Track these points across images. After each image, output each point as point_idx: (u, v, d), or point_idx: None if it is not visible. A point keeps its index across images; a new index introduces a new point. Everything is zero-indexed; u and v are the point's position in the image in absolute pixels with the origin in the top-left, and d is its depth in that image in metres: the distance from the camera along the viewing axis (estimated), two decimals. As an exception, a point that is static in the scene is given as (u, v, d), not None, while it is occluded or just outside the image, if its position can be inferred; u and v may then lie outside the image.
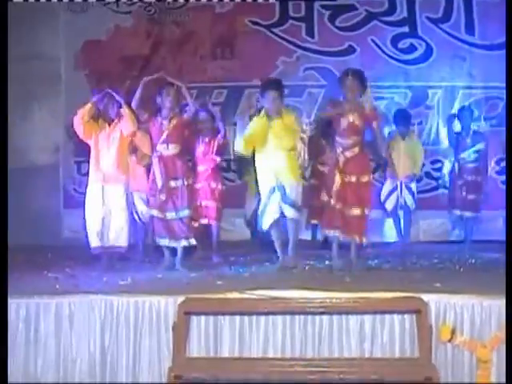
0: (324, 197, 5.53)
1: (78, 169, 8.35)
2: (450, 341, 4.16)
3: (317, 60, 8.19)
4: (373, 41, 8.18)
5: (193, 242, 5.61)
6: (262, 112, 5.67)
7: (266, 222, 5.58)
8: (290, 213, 5.54)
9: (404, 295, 4.22)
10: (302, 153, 7.62)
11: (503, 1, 8.00)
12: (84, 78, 8.32)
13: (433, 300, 4.19)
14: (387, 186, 7.23)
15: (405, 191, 7.14)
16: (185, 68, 8.20)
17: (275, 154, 5.55)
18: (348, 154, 5.47)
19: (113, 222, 5.65)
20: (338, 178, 5.44)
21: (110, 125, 5.80)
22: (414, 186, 7.26)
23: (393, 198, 7.16)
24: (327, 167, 5.66)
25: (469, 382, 4.15)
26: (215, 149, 6.71)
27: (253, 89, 8.08)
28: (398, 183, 7.14)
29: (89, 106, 5.76)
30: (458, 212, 7.22)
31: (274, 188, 5.52)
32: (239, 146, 5.73)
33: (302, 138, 7.95)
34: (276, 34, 8.25)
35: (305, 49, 8.24)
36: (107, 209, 5.66)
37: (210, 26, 8.32)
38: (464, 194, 7.10)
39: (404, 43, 8.20)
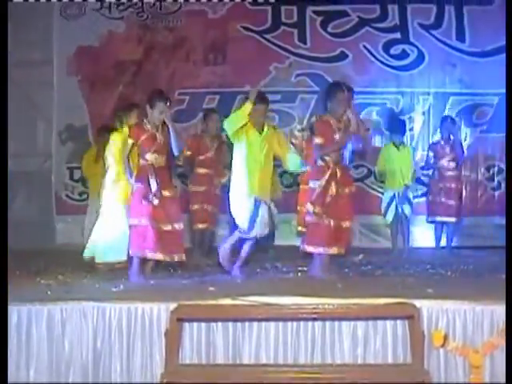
0: (310, 207, 5.42)
1: (70, 175, 8.32)
2: (442, 346, 4.16)
3: (309, 66, 8.21)
4: (365, 47, 8.20)
5: (183, 257, 5.49)
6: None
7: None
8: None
9: (396, 301, 4.21)
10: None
11: (493, 8, 8.10)
12: (76, 83, 8.30)
13: (425, 306, 4.18)
14: (386, 197, 7.23)
15: (402, 200, 7.14)
16: (177, 73, 8.21)
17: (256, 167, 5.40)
18: (339, 166, 5.42)
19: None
20: (324, 191, 5.37)
21: None
22: (410, 194, 7.27)
23: (392, 208, 7.15)
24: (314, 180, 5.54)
25: (461, 387, 4.17)
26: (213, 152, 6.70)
27: (245, 95, 8.07)
28: (397, 193, 7.14)
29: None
30: (438, 218, 7.31)
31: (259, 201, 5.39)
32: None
33: (293, 144, 8.03)
34: (268, 40, 8.26)
35: (297, 55, 8.25)
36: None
37: (203, 32, 8.34)
38: (443, 199, 7.17)
39: (396, 49, 8.23)
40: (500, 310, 4.17)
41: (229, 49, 8.25)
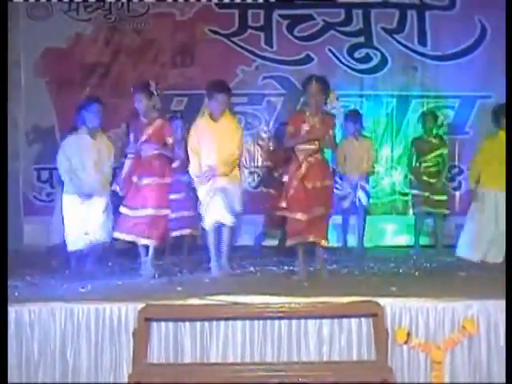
0: (283, 205, 5.40)
1: (38, 176, 8.22)
2: (405, 343, 4.21)
3: (275, 69, 8.20)
4: (330, 50, 8.22)
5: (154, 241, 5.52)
6: (205, 113, 5.56)
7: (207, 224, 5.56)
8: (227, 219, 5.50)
9: (361, 299, 4.24)
10: (257, 158, 7.70)
11: (454, 13, 8.20)
12: (44, 84, 8.20)
13: (389, 304, 4.23)
14: (343, 188, 7.21)
15: (359, 191, 7.17)
16: (145, 75, 8.08)
17: (214, 157, 5.44)
18: (311, 159, 5.38)
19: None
20: (299, 185, 5.34)
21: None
22: (367, 186, 7.30)
23: (349, 198, 7.17)
24: (288, 176, 5.52)
25: (424, 382, 4.20)
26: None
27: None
28: (353, 183, 7.16)
29: None
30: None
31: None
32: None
33: (260, 145, 8.04)
34: (235, 43, 8.24)
35: (264, 58, 8.24)
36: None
37: (171, 34, 8.28)
38: (427, 195, 7.24)
39: (360, 53, 8.26)
40: (461, 307, 4.23)
41: (196, 51, 8.21)
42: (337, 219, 7.21)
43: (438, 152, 7.30)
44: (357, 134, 7.23)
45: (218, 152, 5.42)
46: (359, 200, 7.17)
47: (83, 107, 5.84)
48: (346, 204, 7.20)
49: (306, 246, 5.42)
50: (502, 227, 5.85)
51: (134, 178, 5.50)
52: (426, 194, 7.27)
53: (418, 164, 7.36)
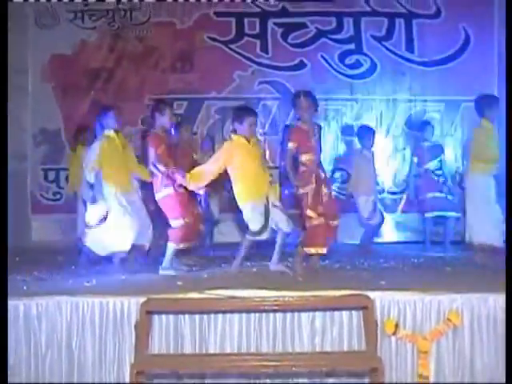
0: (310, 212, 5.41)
1: (44, 176, 8.23)
2: (393, 334, 4.21)
3: (270, 74, 8.22)
4: (322, 56, 8.24)
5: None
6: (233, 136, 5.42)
7: None
8: None
9: (352, 293, 4.24)
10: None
11: (440, 22, 8.21)
12: (51, 89, 8.20)
13: (378, 297, 4.22)
14: (366, 205, 7.02)
15: (378, 204, 7.14)
16: (147, 81, 8.15)
17: None
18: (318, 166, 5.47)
19: None
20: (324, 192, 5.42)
21: None
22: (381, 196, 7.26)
23: (377, 215, 7.06)
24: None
25: (411, 371, 4.19)
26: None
27: (211, 101, 8.08)
28: (373, 198, 7.02)
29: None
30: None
31: None
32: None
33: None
34: (233, 50, 8.25)
35: (259, 64, 8.26)
36: None
37: (171, 42, 8.29)
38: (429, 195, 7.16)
39: (350, 59, 8.28)
40: (446, 300, 4.23)
41: (195, 57, 8.22)
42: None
43: (438, 158, 7.23)
44: (370, 149, 7.10)
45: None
46: (380, 212, 7.11)
47: (101, 115, 5.75)
48: (375, 221, 7.07)
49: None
50: (495, 209, 5.87)
51: None
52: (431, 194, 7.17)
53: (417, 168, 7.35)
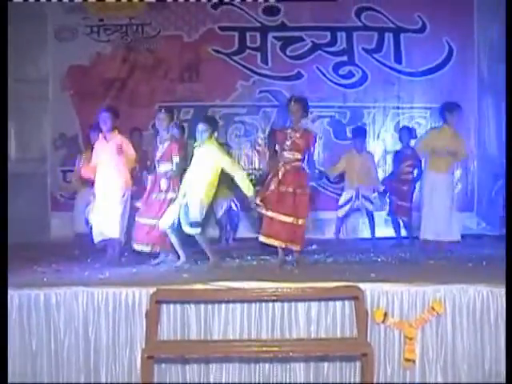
0: (257, 202, 5.35)
1: (63, 176, 8.22)
2: (382, 322, 4.21)
3: (270, 84, 8.20)
4: (317, 68, 8.22)
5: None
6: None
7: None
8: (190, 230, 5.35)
9: (344, 284, 4.23)
10: (254, 161, 7.68)
11: (425, 36, 8.20)
12: (69, 97, 8.20)
13: (368, 288, 4.21)
14: (344, 197, 7.09)
15: (362, 200, 7.04)
16: (157, 89, 8.14)
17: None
18: (288, 166, 5.35)
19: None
20: (272, 187, 5.32)
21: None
22: (371, 195, 7.15)
23: (346, 207, 7.05)
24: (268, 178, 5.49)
25: (398, 355, 4.19)
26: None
27: (216, 108, 8.07)
28: (354, 194, 7.02)
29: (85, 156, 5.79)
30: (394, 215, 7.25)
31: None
32: None
33: (257, 150, 8.04)
34: (235, 61, 8.24)
35: (260, 74, 8.24)
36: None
37: (179, 54, 8.28)
38: (401, 199, 7.16)
39: (343, 70, 8.26)
40: (430, 291, 4.23)
41: (201, 68, 8.21)
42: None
43: (409, 162, 7.20)
44: (360, 149, 7.09)
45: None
46: (365, 208, 7.10)
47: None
48: (341, 213, 7.11)
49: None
50: (449, 206, 5.92)
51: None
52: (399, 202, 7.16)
53: (393, 172, 7.34)
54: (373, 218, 7.22)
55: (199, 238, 5.36)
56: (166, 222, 5.35)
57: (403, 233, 7.35)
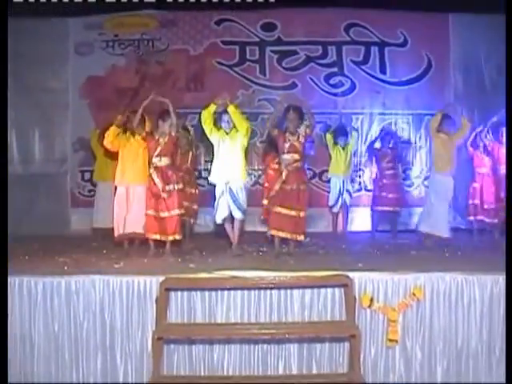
0: (265, 201, 5.45)
1: (82, 176, 8.21)
2: (369, 307, 4.21)
3: (268, 93, 8.17)
4: (310, 78, 8.21)
5: (178, 237, 5.46)
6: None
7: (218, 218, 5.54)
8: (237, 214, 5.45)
9: (335, 273, 4.24)
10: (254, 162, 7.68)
11: (407, 49, 8.20)
12: (87, 105, 8.19)
13: (356, 276, 4.22)
14: (334, 190, 7.11)
15: (345, 193, 7.11)
16: (166, 98, 8.05)
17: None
18: (290, 168, 5.42)
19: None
20: (277, 187, 5.39)
21: (134, 137, 5.67)
22: (350, 187, 7.27)
23: (339, 202, 7.07)
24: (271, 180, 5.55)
25: (382, 336, 4.21)
26: (190, 159, 6.66)
27: (218, 115, 8.02)
28: (341, 184, 7.06)
29: (113, 128, 5.61)
30: (380, 208, 7.20)
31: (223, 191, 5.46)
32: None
33: (256, 153, 8.03)
34: (236, 72, 8.23)
35: (259, 84, 8.23)
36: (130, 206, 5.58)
37: (186, 66, 8.26)
38: (384, 194, 7.14)
39: (334, 80, 8.24)
40: (411, 278, 4.24)
41: (206, 79, 8.20)
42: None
43: (388, 158, 7.19)
44: (343, 145, 7.15)
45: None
46: (345, 200, 7.11)
47: None
48: (336, 209, 7.15)
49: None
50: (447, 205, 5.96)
51: None
52: (385, 195, 7.14)
53: (377, 168, 7.34)
54: (348, 210, 7.26)
55: (240, 222, 5.45)
56: (220, 216, 5.43)
57: (387, 226, 7.36)
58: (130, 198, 5.58)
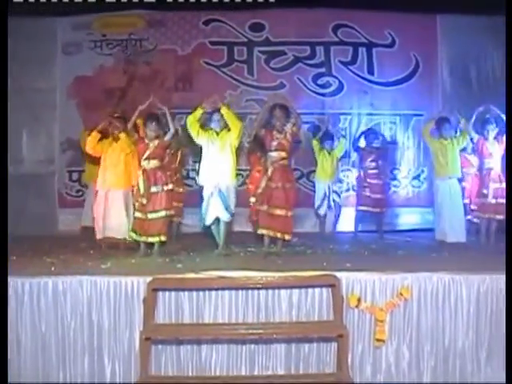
0: (253, 199, 5.44)
1: (69, 176, 8.15)
2: (356, 307, 4.22)
3: (256, 93, 8.15)
4: (298, 78, 8.20)
5: (164, 238, 5.42)
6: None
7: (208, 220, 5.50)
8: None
9: (322, 273, 4.24)
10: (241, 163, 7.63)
11: (395, 50, 8.23)
12: (74, 105, 8.13)
13: (344, 276, 4.22)
14: (319, 193, 7.10)
15: (332, 195, 7.11)
16: (153, 97, 8.06)
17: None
18: (276, 165, 5.42)
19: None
20: (263, 185, 5.40)
21: (116, 142, 5.69)
22: (337, 188, 7.27)
23: (324, 205, 7.06)
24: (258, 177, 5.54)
25: (369, 336, 4.22)
26: (178, 159, 6.63)
27: (207, 115, 8.00)
28: (327, 188, 7.04)
29: (94, 134, 5.67)
30: (364, 208, 7.19)
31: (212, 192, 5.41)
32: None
33: (244, 153, 8.00)
34: (224, 73, 8.21)
35: (246, 84, 8.21)
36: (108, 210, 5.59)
37: (174, 66, 8.23)
38: (368, 193, 7.15)
39: (322, 80, 8.24)
40: (399, 278, 4.25)
41: (194, 79, 8.17)
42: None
43: (372, 157, 7.16)
44: (330, 149, 7.15)
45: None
46: (333, 200, 7.10)
47: None
48: (322, 210, 7.14)
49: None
50: (458, 209, 5.98)
51: None
52: (371, 195, 7.13)
53: (362, 168, 7.35)
54: (339, 210, 7.26)
55: (226, 224, 5.43)
56: (209, 218, 5.40)
57: (373, 226, 7.36)
58: (108, 202, 5.61)
